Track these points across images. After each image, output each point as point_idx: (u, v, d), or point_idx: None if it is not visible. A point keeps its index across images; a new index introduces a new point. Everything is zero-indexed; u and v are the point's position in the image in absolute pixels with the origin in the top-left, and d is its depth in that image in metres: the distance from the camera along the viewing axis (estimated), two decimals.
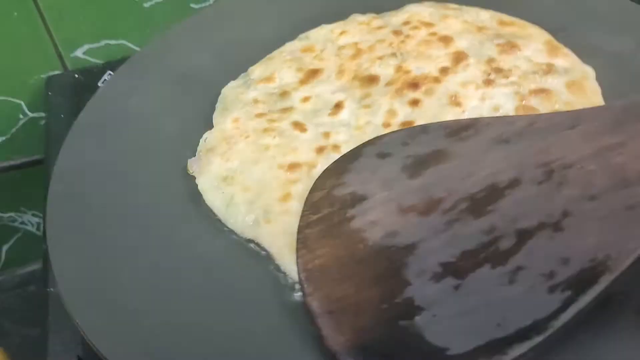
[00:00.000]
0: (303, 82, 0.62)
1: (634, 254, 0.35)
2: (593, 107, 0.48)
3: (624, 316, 0.38)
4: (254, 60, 0.66)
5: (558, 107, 0.53)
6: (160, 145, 0.58)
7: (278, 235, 0.48)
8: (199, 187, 0.54)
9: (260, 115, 0.59)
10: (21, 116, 0.83)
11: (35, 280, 0.83)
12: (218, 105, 0.62)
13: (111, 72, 0.74)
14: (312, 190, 0.47)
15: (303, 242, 0.44)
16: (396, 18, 0.67)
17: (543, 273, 0.36)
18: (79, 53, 0.81)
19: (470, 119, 0.50)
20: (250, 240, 0.50)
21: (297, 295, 0.45)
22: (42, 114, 0.82)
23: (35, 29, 0.78)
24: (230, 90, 0.63)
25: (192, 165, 0.56)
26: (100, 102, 0.63)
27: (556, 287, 0.35)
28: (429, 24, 0.64)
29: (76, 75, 0.79)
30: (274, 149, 0.55)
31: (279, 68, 0.64)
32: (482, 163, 0.43)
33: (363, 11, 0.69)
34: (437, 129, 0.48)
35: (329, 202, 0.46)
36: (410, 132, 0.49)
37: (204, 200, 0.53)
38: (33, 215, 0.92)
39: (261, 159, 0.54)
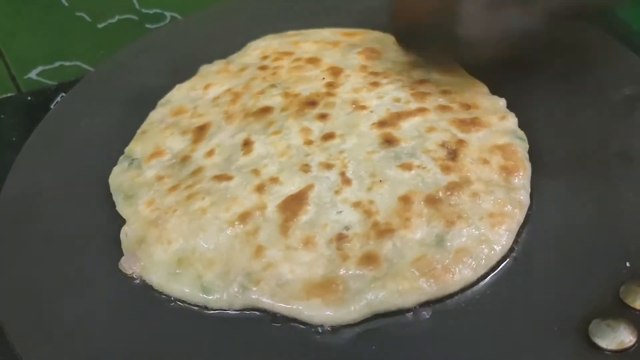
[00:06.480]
0: (196, 141, 0.56)
1: None
2: None
3: None
4: None
5: (443, 87, 0.58)
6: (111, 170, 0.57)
7: (275, 289, 0.44)
8: (154, 285, 0.47)
9: (173, 188, 0.52)
10: None
11: None
12: (117, 198, 0.53)
13: (64, 94, 0.73)
14: None
15: None
16: (249, 57, 0.66)
17: None
18: (32, 75, 0.80)
19: None
20: (238, 310, 0.45)
21: (319, 337, 0.43)
22: None
23: None
24: (119, 177, 0.55)
25: (128, 266, 0.48)
26: (49, 124, 0.63)
27: None
28: (287, 53, 0.64)
29: (29, 98, 0.78)
30: (211, 209, 0.49)
31: (161, 139, 0.58)
32: None
33: (209, 61, 0.67)
34: None
35: None
36: None
37: None
38: None
39: (205, 225, 0.48)
